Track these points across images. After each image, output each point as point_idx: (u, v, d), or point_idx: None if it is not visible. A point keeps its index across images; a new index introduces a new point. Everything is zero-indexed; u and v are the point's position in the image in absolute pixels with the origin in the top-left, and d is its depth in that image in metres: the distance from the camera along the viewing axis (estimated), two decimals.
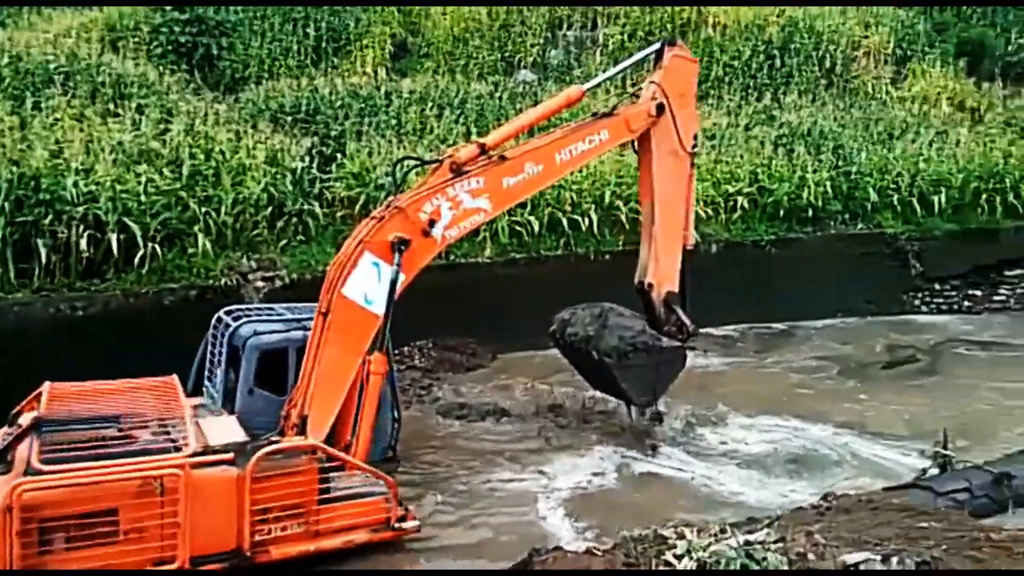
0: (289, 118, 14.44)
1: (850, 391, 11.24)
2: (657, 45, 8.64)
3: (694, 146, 8.54)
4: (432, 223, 7.03)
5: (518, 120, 8.23)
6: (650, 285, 8.46)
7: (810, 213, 14.53)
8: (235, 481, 5.88)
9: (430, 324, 11.41)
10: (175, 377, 7.10)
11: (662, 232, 8.43)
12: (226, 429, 6.61)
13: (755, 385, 11.18)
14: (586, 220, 12.81)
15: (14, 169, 9.20)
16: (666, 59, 8.42)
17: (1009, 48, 21.13)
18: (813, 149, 15.64)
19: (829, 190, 14.70)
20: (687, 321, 8.46)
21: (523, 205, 12.63)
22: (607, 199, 13.03)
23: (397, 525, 6.55)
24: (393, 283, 6.81)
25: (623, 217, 13.04)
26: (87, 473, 5.42)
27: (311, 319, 7.11)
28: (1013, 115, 18.64)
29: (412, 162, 8.89)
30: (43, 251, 8.90)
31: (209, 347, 7.75)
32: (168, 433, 6.11)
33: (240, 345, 7.26)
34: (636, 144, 8.57)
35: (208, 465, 5.83)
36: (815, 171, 14.79)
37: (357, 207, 11.77)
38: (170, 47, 16.87)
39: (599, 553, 3.68)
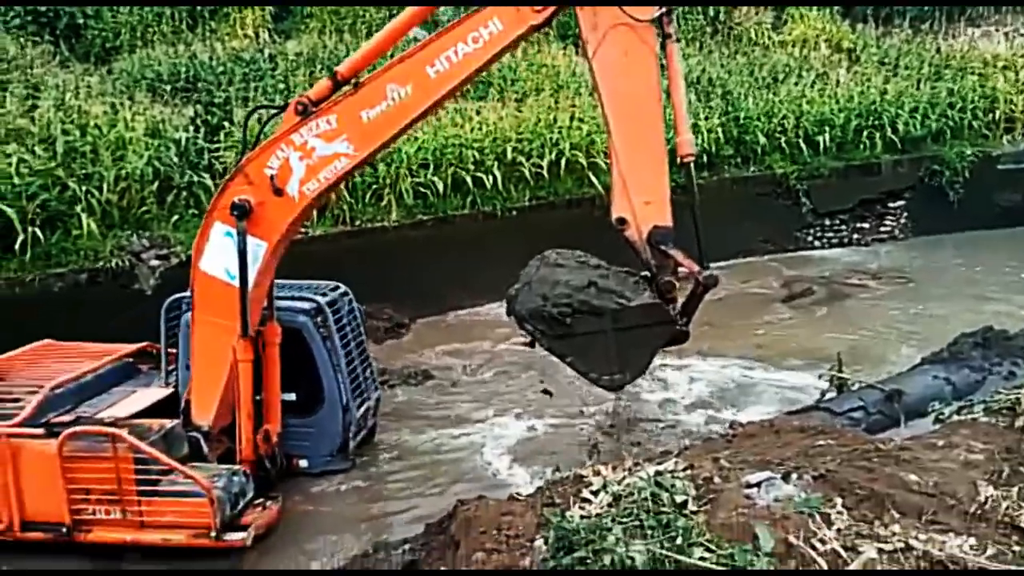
0: (168, 87, 13.70)
1: (754, 325, 11.78)
2: None
3: (666, 11, 5.50)
4: (283, 178, 6.03)
5: (381, 33, 6.08)
6: (621, 221, 5.59)
7: (705, 159, 14.93)
8: (54, 456, 5.89)
9: None
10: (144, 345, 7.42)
11: (623, 141, 5.55)
12: (130, 403, 6.59)
13: None
14: (490, 178, 12.75)
15: None
16: None
17: None
18: (703, 96, 16.02)
19: (721, 136, 15.11)
20: (688, 265, 5.49)
21: (425, 165, 12.48)
22: (509, 155, 13.01)
23: (218, 535, 5.99)
24: (242, 252, 6.16)
25: (527, 172, 13.07)
26: None
27: (290, 294, 7.18)
28: (886, 54, 19.59)
29: (268, 111, 7.02)
30: None
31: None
32: (16, 400, 6.20)
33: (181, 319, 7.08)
34: (578, 32, 5.90)
35: (32, 437, 5.94)
36: (706, 118, 15.16)
37: None
38: (29, 18, 15.62)
39: (520, 498, 3.77)
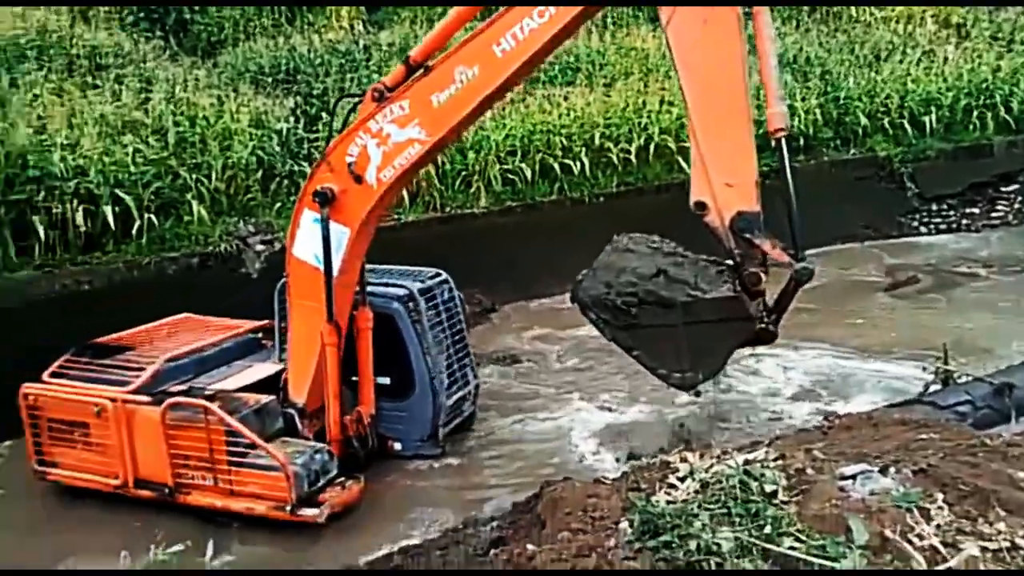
0: (269, 79, 14.28)
1: (852, 314, 11.34)
2: None
3: None
4: (362, 166, 6.11)
5: (451, 14, 6.00)
6: (701, 205, 4.98)
7: (801, 142, 14.44)
8: (158, 423, 6.42)
9: None
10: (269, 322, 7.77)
11: (701, 116, 4.99)
12: (243, 376, 7.12)
13: None
14: (578, 164, 12.75)
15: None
16: None
17: None
18: (800, 77, 15.48)
19: (819, 117, 14.60)
20: (778, 255, 4.84)
21: (513, 152, 12.57)
22: (597, 141, 12.95)
23: (293, 509, 6.24)
24: (325, 239, 6.34)
25: (615, 158, 12.99)
26: (63, 390, 6.75)
27: (387, 280, 7.43)
28: (999, 28, 18.38)
29: (355, 99, 6.74)
30: (40, 228, 8.83)
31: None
32: (141, 369, 6.78)
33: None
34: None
35: (142, 404, 6.55)
36: (803, 99, 14.65)
37: None
38: (142, 14, 16.56)
39: (606, 481, 3.80)
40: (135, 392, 6.59)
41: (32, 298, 8.65)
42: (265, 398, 6.79)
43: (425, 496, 7.01)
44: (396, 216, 11.67)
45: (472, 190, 12.31)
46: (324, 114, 12.46)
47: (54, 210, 9.03)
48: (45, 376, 6.94)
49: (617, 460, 7.28)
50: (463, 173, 12.28)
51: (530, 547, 3.03)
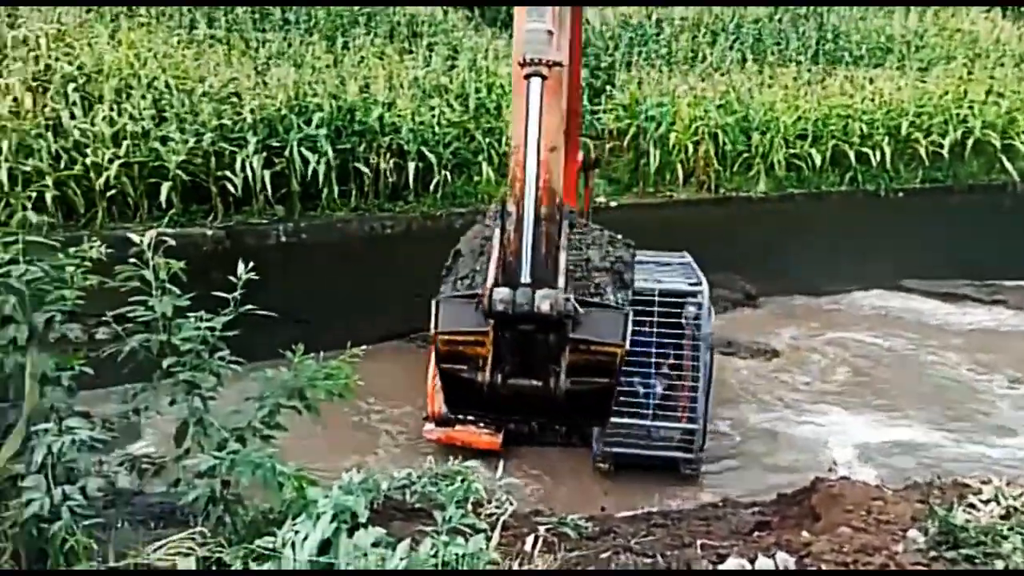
0: None
1: None
2: None
3: None
4: None
5: None
6: None
7: None
8: None
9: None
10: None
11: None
12: None
13: None
14: (877, 153, 11.71)
15: (333, 102, 10.49)
16: None
17: None
18: None
19: None
20: (493, 263, 3.41)
21: (803, 136, 11.88)
22: (904, 131, 11.79)
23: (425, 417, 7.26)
24: None
25: (922, 151, 11.74)
26: None
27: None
28: None
29: None
30: (360, 176, 10.07)
31: None
32: None
33: None
34: None
35: None
36: None
37: (626, 139, 11.86)
38: None
39: (889, 489, 3.53)
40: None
41: (345, 237, 9.96)
42: None
43: (672, 474, 6.99)
44: (669, 192, 11.65)
45: (752, 173, 11.85)
46: (608, 87, 12.70)
47: (371, 160, 10.24)
48: None
49: (878, 479, 6.71)
50: (744, 155, 11.85)
51: (805, 534, 2.93)
